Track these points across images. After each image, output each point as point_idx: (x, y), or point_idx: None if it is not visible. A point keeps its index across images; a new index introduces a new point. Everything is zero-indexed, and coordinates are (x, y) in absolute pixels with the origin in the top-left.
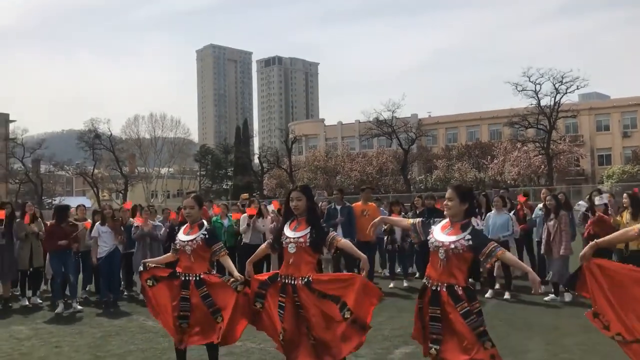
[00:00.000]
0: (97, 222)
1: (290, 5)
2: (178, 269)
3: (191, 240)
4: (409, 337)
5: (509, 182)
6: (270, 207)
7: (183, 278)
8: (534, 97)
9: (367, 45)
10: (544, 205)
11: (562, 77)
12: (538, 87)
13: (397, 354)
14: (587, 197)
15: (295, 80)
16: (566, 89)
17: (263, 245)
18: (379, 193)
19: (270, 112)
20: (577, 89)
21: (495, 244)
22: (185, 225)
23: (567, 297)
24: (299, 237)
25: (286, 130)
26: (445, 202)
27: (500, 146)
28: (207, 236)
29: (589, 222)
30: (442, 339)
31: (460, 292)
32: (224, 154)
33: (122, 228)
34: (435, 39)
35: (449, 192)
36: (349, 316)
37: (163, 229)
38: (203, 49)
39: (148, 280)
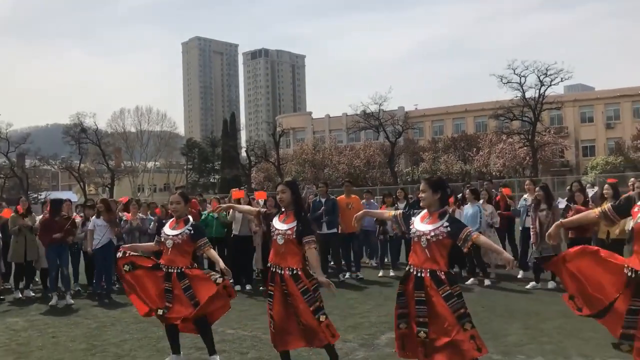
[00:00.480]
0: (93, 216)
1: None
2: (161, 261)
3: (176, 235)
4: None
5: (494, 173)
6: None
7: (165, 270)
8: (518, 90)
9: (354, 37)
10: (535, 196)
11: (547, 70)
12: (523, 79)
13: (383, 339)
14: (568, 187)
15: (282, 73)
16: (550, 81)
17: (252, 208)
18: (367, 185)
19: (257, 105)
20: (562, 81)
21: (470, 229)
22: (172, 220)
23: (551, 284)
24: (286, 230)
25: (274, 123)
26: (419, 195)
27: (486, 138)
28: (192, 232)
29: (569, 213)
30: (427, 323)
31: (442, 277)
32: (211, 147)
33: (117, 221)
34: (421, 31)
35: (422, 185)
36: (323, 320)
37: (152, 222)
38: (189, 41)
39: (125, 266)
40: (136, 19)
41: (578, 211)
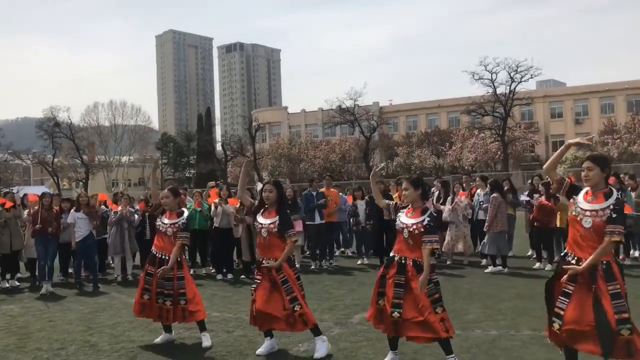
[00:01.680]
0: (73, 209)
1: None
2: (154, 248)
3: (173, 224)
4: (366, 305)
5: (466, 168)
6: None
7: (159, 256)
8: (490, 86)
9: (330, 32)
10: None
11: (517, 66)
12: (494, 76)
13: (356, 319)
14: (529, 181)
15: (257, 67)
16: (521, 78)
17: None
18: (342, 180)
19: (232, 99)
20: (532, 77)
21: (433, 238)
22: (166, 212)
23: (506, 269)
24: (269, 224)
25: (249, 117)
26: (403, 192)
27: (458, 133)
28: (184, 224)
29: (534, 208)
30: (402, 304)
31: (421, 264)
32: (185, 141)
33: (97, 214)
34: (397, 26)
35: (404, 184)
36: (298, 309)
37: (137, 215)
38: (163, 34)
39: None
40: (109, 11)
41: (541, 205)
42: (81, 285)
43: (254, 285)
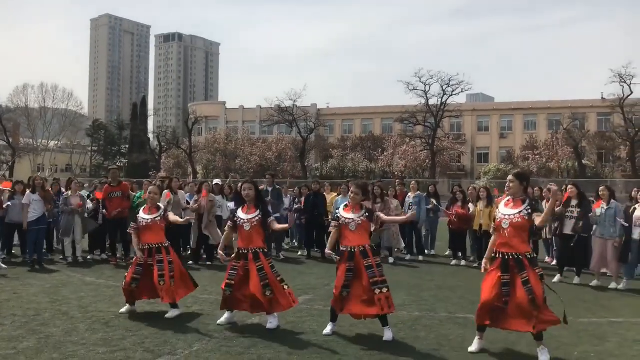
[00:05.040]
0: (29, 190)
1: None
2: (143, 243)
3: (155, 218)
4: (308, 289)
5: (396, 173)
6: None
7: (149, 247)
8: (423, 97)
9: (270, 29)
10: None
11: (449, 80)
12: (427, 87)
13: (301, 300)
14: (451, 190)
15: (195, 59)
16: (452, 91)
17: (227, 231)
18: (277, 178)
19: (167, 89)
20: (462, 91)
21: (379, 214)
22: (144, 207)
23: (391, 260)
24: (251, 218)
25: (186, 110)
26: (352, 196)
27: (391, 140)
28: (164, 213)
29: (450, 213)
30: (350, 284)
31: (368, 251)
32: (118, 130)
33: (52, 198)
34: (334, 28)
35: (354, 188)
36: (269, 294)
37: (89, 202)
38: (98, 18)
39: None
40: None
41: (458, 214)
42: (34, 264)
43: (233, 272)
